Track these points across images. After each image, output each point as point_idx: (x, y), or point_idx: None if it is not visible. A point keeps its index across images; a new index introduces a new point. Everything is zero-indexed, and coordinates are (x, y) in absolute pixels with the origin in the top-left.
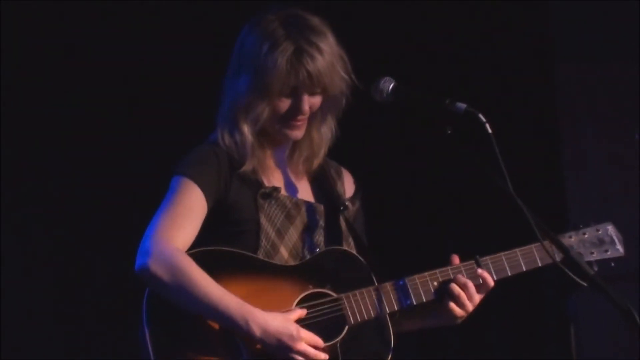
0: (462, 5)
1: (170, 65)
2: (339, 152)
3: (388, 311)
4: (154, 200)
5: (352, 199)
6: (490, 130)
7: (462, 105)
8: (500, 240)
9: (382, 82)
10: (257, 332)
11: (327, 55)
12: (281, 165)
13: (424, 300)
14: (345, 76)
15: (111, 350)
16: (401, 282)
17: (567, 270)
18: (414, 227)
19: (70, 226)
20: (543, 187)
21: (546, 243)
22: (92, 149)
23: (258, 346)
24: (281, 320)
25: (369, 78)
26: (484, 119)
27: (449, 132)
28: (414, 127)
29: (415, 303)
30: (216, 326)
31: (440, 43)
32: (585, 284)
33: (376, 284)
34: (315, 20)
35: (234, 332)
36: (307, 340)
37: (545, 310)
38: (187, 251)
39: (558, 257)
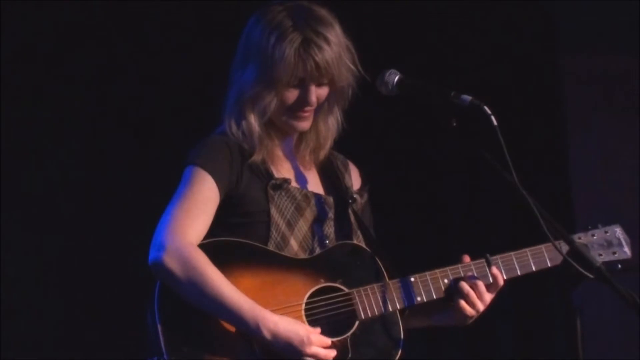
0: None
1: (171, 61)
2: (345, 145)
3: (398, 307)
4: (154, 200)
5: (360, 191)
6: (495, 122)
7: (467, 98)
8: (505, 237)
9: (387, 74)
10: (267, 335)
11: (335, 46)
12: (289, 157)
13: (434, 297)
14: (352, 67)
15: (111, 350)
16: (412, 279)
17: (573, 262)
18: (417, 223)
19: (70, 226)
20: (547, 186)
21: (556, 242)
22: (92, 148)
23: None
24: (292, 324)
25: (375, 70)
26: (489, 111)
27: (454, 124)
28: (419, 119)
29: (425, 300)
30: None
31: (443, 37)
32: (591, 276)
33: (387, 280)
34: (323, 11)
35: (245, 332)
36: (317, 343)
37: (551, 302)
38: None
39: (564, 249)
